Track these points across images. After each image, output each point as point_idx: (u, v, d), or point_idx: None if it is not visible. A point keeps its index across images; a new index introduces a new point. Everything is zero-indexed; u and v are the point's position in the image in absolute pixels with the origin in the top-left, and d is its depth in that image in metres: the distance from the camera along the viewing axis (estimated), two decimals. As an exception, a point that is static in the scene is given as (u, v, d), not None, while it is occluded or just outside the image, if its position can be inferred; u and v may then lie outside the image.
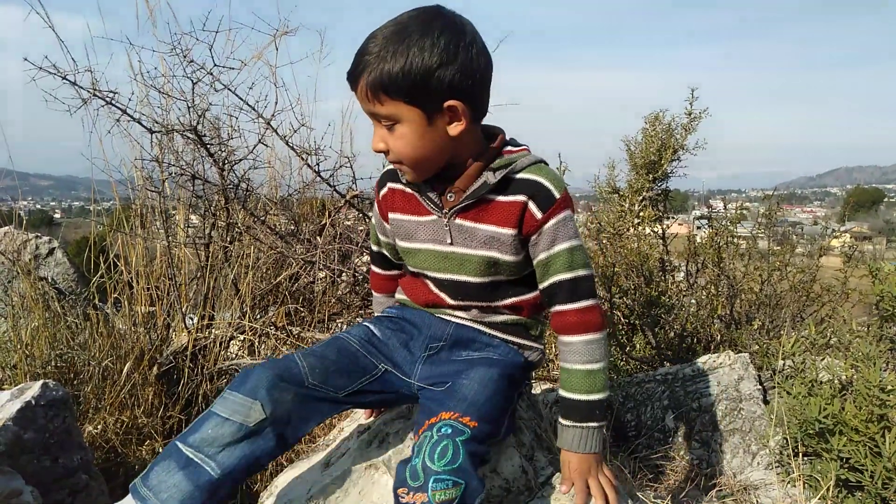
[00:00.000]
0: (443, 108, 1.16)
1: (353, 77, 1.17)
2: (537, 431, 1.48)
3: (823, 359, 1.82)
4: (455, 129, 1.19)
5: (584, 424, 1.23)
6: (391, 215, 1.37)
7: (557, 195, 1.22)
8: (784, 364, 2.13)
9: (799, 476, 1.59)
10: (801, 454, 1.64)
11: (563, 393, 1.27)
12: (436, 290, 1.36)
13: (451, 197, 1.27)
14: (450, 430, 1.11)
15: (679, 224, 3.40)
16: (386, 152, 1.23)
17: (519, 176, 1.24)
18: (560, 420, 1.26)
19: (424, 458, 1.07)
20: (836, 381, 1.71)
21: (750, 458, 1.92)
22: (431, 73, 1.11)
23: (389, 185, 1.37)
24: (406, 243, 1.36)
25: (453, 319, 1.37)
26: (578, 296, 1.24)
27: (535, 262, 1.27)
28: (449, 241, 1.29)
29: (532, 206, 1.22)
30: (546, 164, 1.28)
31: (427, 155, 1.21)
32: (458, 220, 1.27)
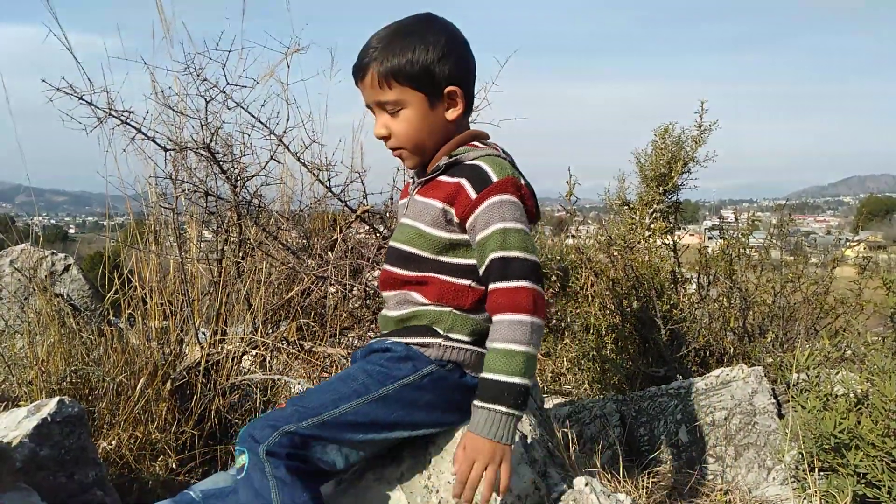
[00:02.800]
0: (443, 94, 1.32)
1: (361, 68, 1.33)
2: (549, 447, 1.47)
3: (839, 372, 1.80)
4: (452, 114, 1.34)
5: (492, 406, 1.19)
6: (399, 202, 1.52)
7: (494, 178, 1.27)
8: (798, 377, 2.11)
9: (815, 492, 1.58)
10: (816, 469, 1.62)
11: (481, 374, 1.24)
12: (385, 263, 1.44)
13: (420, 178, 1.40)
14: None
15: (690, 234, 3.39)
16: (387, 138, 1.36)
17: (467, 162, 1.32)
18: (473, 402, 1.23)
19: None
20: (851, 395, 1.69)
21: (765, 472, 1.90)
22: (435, 63, 1.29)
23: (407, 179, 1.54)
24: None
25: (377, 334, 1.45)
26: (508, 275, 1.23)
27: (474, 246, 1.29)
28: (405, 212, 1.41)
29: (467, 186, 1.28)
30: (504, 159, 1.33)
31: (425, 137, 1.35)
32: (415, 196, 1.39)
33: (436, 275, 1.34)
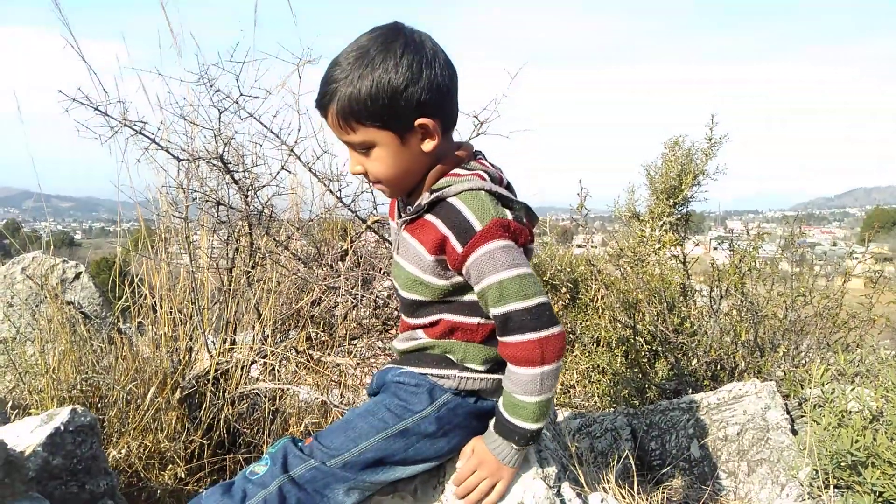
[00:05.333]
0: (414, 126, 1.18)
1: (322, 106, 1.20)
2: (563, 463, 1.46)
3: (854, 388, 1.79)
4: (428, 145, 1.21)
5: (503, 439, 1.26)
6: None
7: (478, 227, 1.17)
8: (810, 393, 2.09)
9: (831, 509, 1.56)
10: (831, 486, 1.61)
11: (497, 405, 1.27)
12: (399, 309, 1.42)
13: (409, 209, 1.29)
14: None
15: (696, 245, 3.38)
16: (365, 174, 1.27)
17: (449, 200, 1.21)
18: (491, 422, 1.29)
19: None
20: (865, 412, 1.68)
21: (779, 489, 1.89)
22: (399, 94, 1.14)
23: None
24: None
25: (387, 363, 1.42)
26: (512, 330, 1.19)
27: (476, 293, 1.23)
28: (398, 249, 1.33)
29: (452, 239, 1.19)
30: (486, 191, 1.21)
31: (404, 173, 1.25)
32: (403, 232, 1.30)
33: (443, 316, 1.30)
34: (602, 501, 1.31)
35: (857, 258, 2.90)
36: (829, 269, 3.01)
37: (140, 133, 2.25)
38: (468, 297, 1.27)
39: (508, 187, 1.32)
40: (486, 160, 1.33)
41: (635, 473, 1.60)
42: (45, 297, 2.57)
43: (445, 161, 1.26)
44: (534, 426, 1.23)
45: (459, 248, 1.18)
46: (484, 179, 1.23)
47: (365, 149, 1.22)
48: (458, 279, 1.25)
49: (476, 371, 1.30)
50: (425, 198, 1.24)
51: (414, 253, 1.26)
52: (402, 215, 1.32)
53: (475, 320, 1.28)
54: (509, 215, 1.21)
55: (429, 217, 1.23)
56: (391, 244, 2.93)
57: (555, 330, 1.18)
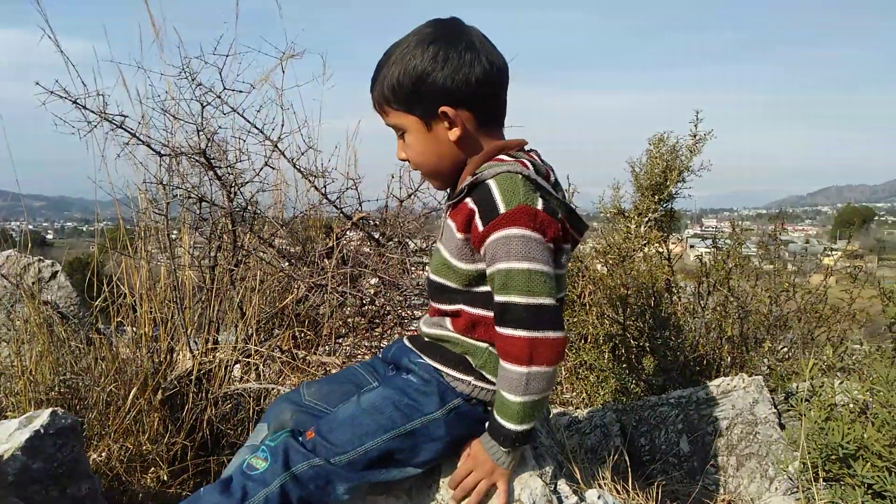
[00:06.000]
0: (437, 113, 1.21)
1: (370, 92, 1.28)
2: (559, 459, 1.45)
3: (842, 382, 1.81)
4: (454, 134, 1.23)
5: (494, 440, 1.24)
6: None
7: (502, 209, 1.15)
8: (797, 387, 2.11)
9: (821, 502, 1.57)
10: (821, 479, 1.62)
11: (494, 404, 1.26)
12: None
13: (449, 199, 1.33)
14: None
15: (672, 243, 3.40)
16: (409, 161, 1.31)
17: (485, 182, 1.21)
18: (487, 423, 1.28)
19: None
20: (854, 405, 1.69)
21: (767, 483, 1.90)
22: (422, 79, 1.18)
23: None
24: None
25: (403, 340, 1.43)
26: (506, 322, 1.17)
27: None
28: (440, 236, 1.34)
29: (477, 216, 1.19)
30: (522, 175, 1.19)
31: (434, 161, 1.27)
32: (447, 219, 1.31)
33: (465, 307, 1.28)
34: (599, 498, 1.30)
35: (829, 254, 2.94)
36: (808, 265, 3.06)
37: (120, 127, 2.19)
38: (487, 289, 1.24)
39: (555, 186, 1.29)
40: (537, 155, 1.31)
41: (629, 469, 1.59)
42: (21, 297, 2.49)
43: (485, 151, 1.26)
44: (517, 427, 1.20)
45: (481, 227, 1.18)
46: (526, 167, 1.21)
47: (400, 134, 1.28)
48: (482, 266, 1.22)
49: (491, 383, 1.28)
50: (466, 181, 1.24)
51: (449, 235, 1.27)
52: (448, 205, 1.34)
53: (485, 312, 1.26)
54: (540, 204, 1.18)
55: (467, 199, 1.23)
56: (375, 241, 2.91)
57: (552, 334, 1.16)
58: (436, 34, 1.20)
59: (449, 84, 1.18)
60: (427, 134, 1.24)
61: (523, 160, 1.24)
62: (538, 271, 1.15)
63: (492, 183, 1.18)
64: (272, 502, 1.17)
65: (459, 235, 1.23)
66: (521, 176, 1.18)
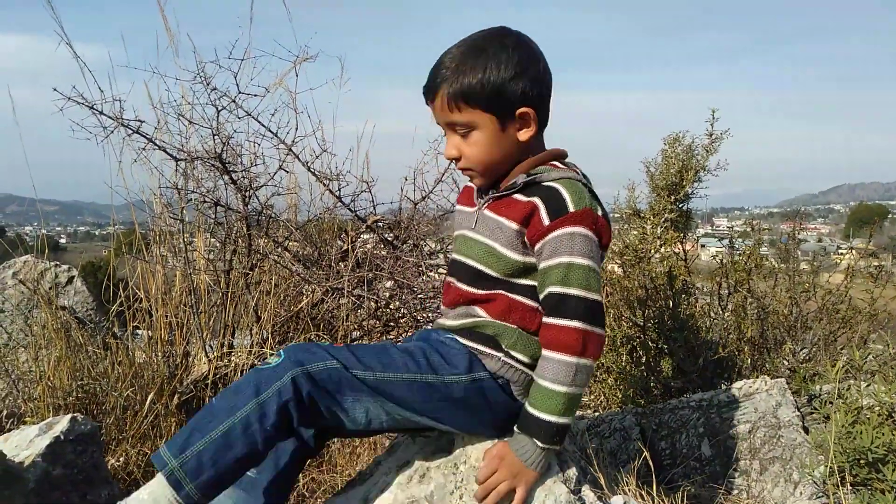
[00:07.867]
0: (515, 115, 1.27)
1: (431, 90, 1.29)
2: (582, 465, 1.43)
3: (868, 384, 1.78)
4: (525, 134, 1.29)
5: (529, 438, 1.25)
6: (456, 207, 1.48)
7: (571, 208, 1.22)
8: (820, 389, 2.08)
9: (849, 507, 1.54)
10: (848, 484, 1.59)
11: (525, 403, 1.28)
12: (451, 277, 1.41)
13: (493, 191, 1.35)
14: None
15: (686, 243, 3.37)
16: (457, 159, 1.33)
17: (547, 183, 1.27)
18: (515, 425, 1.29)
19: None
20: (882, 408, 1.66)
21: (792, 487, 1.87)
22: (507, 83, 1.23)
23: (467, 184, 1.48)
24: (456, 232, 1.45)
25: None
26: (562, 312, 1.22)
27: (538, 271, 1.27)
28: (473, 226, 1.37)
29: (542, 209, 1.24)
30: (584, 185, 1.28)
31: (497, 159, 1.31)
32: (485, 210, 1.35)
33: (504, 293, 1.32)
34: (624, 504, 1.28)
35: (842, 253, 2.90)
36: (826, 264, 3.01)
37: (137, 132, 2.20)
38: (533, 282, 1.29)
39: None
40: (578, 169, 1.37)
41: (653, 474, 1.57)
42: (38, 302, 2.50)
43: (539, 155, 1.33)
44: (560, 420, 1.22)
45: (546, 221, 1.23)
46: (579, 176, 1.30)
47: (466, 130, 1.29)
48: (532, 259, 1.27)
49: (520, 362, 1.31)
50: (521, 178, 1.29)
51: (495, 226, 1.30)
52: (481, 199, 1.37)
53: (535, 304, 1.30)
54: (600, 211, 1.27)
55: (518, 196, 1.29)
56: (389, 244, 2.90)
57: (600, 331, 1.23)
58: (514, 42, 1.26)
59: (529, 88, 1.25)
60: (500, 133, 1.28)
61: (576, 169, 1.33)
62: (595, 270, 1.23)
63: (558, 185, 1.25)
64: (284, 394, 1.17)
65: (513, 226, 1.27)
66: (581, 184, 1.27)
